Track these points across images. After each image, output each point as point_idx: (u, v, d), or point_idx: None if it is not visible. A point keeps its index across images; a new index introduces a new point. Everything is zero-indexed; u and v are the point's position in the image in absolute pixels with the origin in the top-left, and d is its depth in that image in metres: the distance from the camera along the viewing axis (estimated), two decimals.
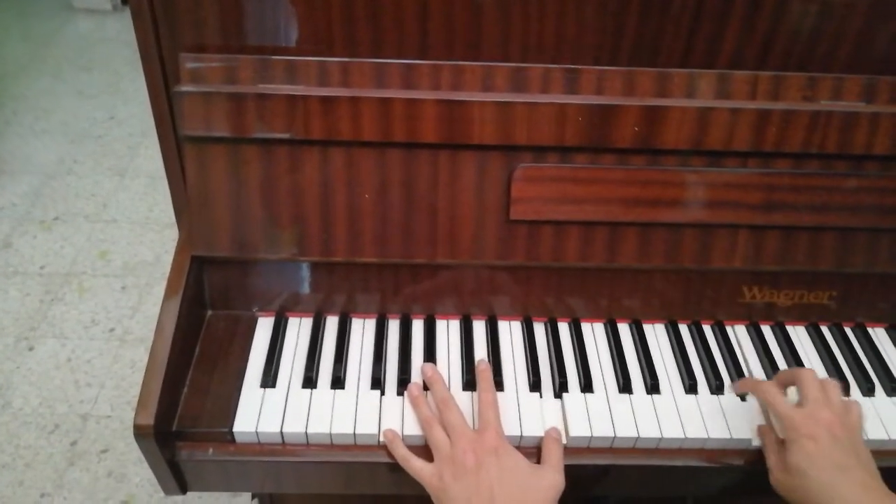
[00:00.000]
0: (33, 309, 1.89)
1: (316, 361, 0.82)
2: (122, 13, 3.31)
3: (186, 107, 0.76)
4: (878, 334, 0.91)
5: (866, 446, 0.71)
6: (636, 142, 0.78)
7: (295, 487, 0.81)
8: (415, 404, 0.78)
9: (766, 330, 0.90)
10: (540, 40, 0.77)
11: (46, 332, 1.82)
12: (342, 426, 0.76)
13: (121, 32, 3.15)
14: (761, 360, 0.86)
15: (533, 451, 0.75)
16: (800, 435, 0.69)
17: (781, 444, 0.72)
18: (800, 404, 0.72)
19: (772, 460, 0.73)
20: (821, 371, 0.85)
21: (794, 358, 0.86)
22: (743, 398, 0.81)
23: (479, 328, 0.88)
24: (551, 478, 0.71)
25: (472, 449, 0.71)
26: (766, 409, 0.77)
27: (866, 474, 0.68)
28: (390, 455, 0.75)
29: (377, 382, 0.81)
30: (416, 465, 0.73)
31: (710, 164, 0.80)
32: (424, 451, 0.75)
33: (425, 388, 0.80)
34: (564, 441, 0.77)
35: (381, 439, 0.76)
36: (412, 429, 0.76)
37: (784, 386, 0.77)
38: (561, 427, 0.77)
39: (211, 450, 0.75)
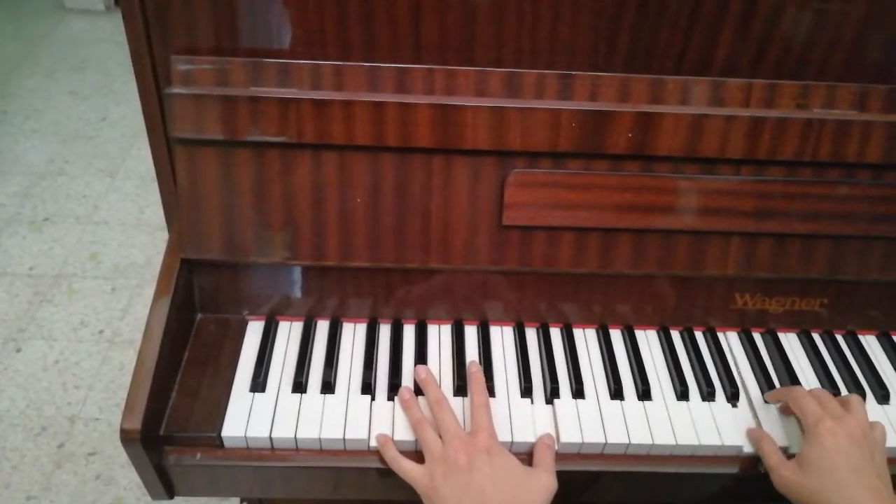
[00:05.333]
0: (21, 310, 1.87)
1: (306, 366, 0.82)
2: (115, 14, 3.29)
3: (177, 109, 0.75)
4: (870, 342, 0.91)
5: (887, 464, 0.71)
6: (630, 148, 0.78)
7: (284, 492, 0.80)
8: (406, 407, 0.77)
9: (758, 337, 0.90)
10: (534, 45, 0.77)
11: (35, 334, 1.81)
12: (332, 431, 0.75)
13: (114, 33, 3.13)
14: (752, 367, 0.86)
15: (524, 457, 0.75)
16: (822, 430, 0.70)
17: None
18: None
19: (774, 459, 0.73)
20: (812, 378, 0.85)
21: (784, 365, 0.86)
22: (734, 401, 0.81)
23: (471, 333, 0.88)
24: (544, 479, 0.71)
25: (464, 449, 0.71)
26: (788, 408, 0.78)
27: (880, 483, 0.68)
28: (381, 458, 0.75)
29: (367, 387, 0.80)
30: (405, 466, 0.72)
31: (704, 171, 0.80)
32: (417, 456, 0.75)
33: (417, 391, 0.80)
34: (556, 448, 0.76)
35: (373, 444, 0.75)
36: (403, 434, 0.76)
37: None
38: (552, 433, 0.77)
39: (199, 454, 0.75)
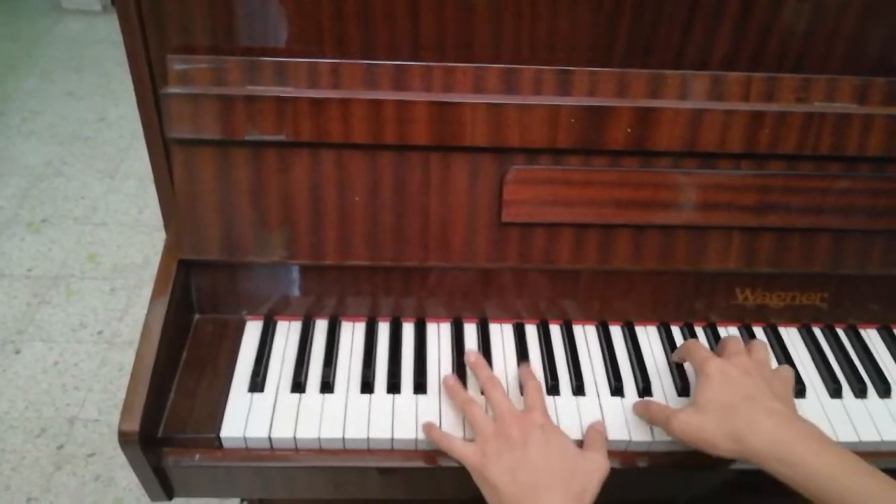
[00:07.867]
0: (20, 312, 1.87)
1: (305, 365, 0.81)
2: (111, 14, 3.28)
3: (174, 109, 0.74)
4: (870, 335, 0.91)
5: (795, 403, 0.72)
6: (629, 143, 0.78)
7: (283, 493, 0.80)
8: (452, 392, 0.77)
9: (759, 332, 0.89)
10: (532, 41, 0.77)
11: (34, 336, 1.81)
12: (331, 431, 0.75)
13: (111, 33, 3.13)
14: None
15: None
16: (710, 369, 0.70)
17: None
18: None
19: (667, 411, 0.71)
20: (813, 372, 0.85)
21: (786, 359, 0.86)
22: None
23: (471, 331, 0.87)
24: (598, 460, 0.70)
25: (518, 424, 0.70)
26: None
27: (780, 404, 0.67)
28: (433, 447, 0.74)
29: (367, 386, 0.80)
30: (456, 445, 0.72)
31: (704, 165, 0.80)
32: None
33: (418, 389, 0.79)
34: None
35: (372, 444, 0.75)
36: (403, 432, 0.75)
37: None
38: None
39: (198, 456, 0.74)
